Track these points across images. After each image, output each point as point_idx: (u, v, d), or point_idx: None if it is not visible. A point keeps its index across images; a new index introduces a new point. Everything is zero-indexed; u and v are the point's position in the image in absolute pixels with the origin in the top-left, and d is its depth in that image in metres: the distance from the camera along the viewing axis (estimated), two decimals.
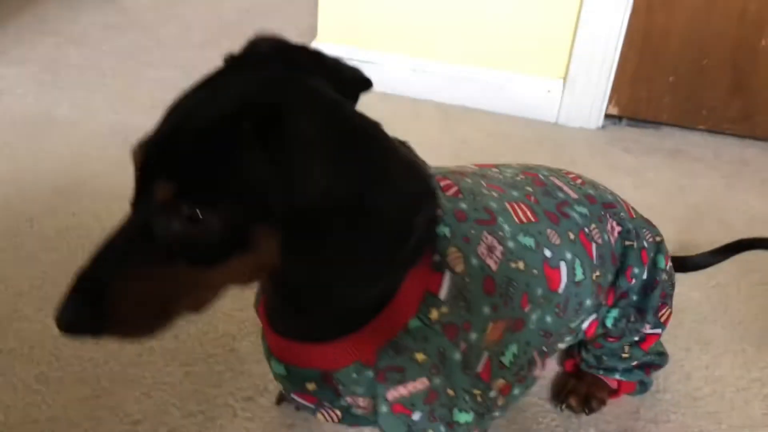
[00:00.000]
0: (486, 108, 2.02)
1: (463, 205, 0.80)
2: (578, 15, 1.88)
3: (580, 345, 1.06)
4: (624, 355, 1.03)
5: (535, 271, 0.81)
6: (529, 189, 0.91)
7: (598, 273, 0.90)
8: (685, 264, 1.28)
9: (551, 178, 0.97)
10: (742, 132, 1.96)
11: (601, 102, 1.98)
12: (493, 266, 0.77)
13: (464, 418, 0.78)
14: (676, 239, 1.44)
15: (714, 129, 1.98)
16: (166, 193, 0.57)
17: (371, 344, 0.73)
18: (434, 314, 0.73)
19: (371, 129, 0.61)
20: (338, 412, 0.84)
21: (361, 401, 0.77)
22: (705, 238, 1.48)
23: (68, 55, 2.15)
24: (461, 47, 2.02)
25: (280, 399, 1.01)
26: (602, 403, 1.04)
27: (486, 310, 0.76)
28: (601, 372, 1.05)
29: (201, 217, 0.56)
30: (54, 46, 2.19)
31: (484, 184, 0.87)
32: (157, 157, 0.59)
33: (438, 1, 1.98)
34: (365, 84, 0.69)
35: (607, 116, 2.04)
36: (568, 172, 1.01)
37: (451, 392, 0.76)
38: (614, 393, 1.06)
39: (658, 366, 1.07)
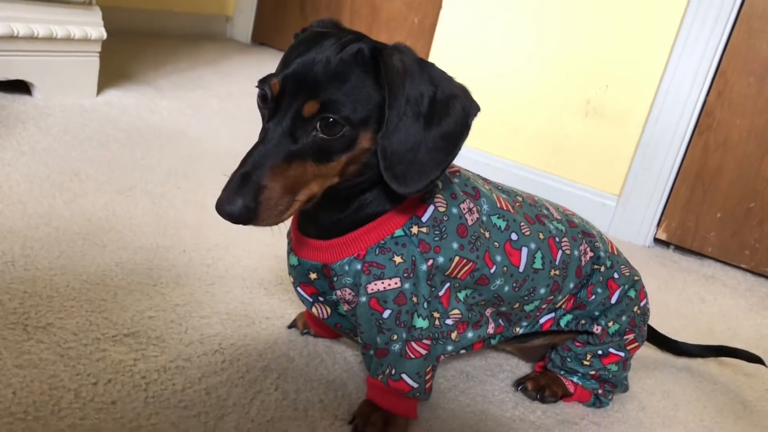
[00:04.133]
0: None
1: (456, 180, 1.04)
2: (639, 140, 2.13)
3: (552, 349, 1.23)
4: (585, 362, 1.19)
5: (496, 244, 1.03)
6: (519, 198, 1.15)
7: (557, 272, 1.10)
8: (676, 347, 1.45)
9: (544, 202, 1.20)
10: None
11: (650, 223, 2.17)
12: (469, 221, 1.00)
13: (421, 323, 0.98)
14: (681, 333, 1.57)
15: (755, 270, 2.11)
16: (312, 109, 0.83)
17: (364, 243, 0.96)
18: (414, 229, 0.96)
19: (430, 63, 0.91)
20: (328, 309, 1.06)
21: (348, 293, 0.99)
22: (709, 337, 1.61)
23: (210, 103, 2.61)
24: (529, 151, 2.31)
25: (291, 325, 1.24)
26: (554, 395, 1.19)
27: (455, 245, 0.98)
28: (562, 372, 1.22)
29: (334, 124, 0.83)
30: (201, 96, 2.67)
31: (481, 181, 1.11)
32: (297, 86, 0.83)
33: (514, 107, 2.30)
34: None
35: (657, 240, 2.22)
36: (566, 209, 1.23)
37: (414, 299, 0.97)
38: (568, 396, 1.21)
39: (613, 385, 1.21)
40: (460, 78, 0.93)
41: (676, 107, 2.07)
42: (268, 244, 1.52)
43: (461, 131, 0.89)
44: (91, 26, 2.15)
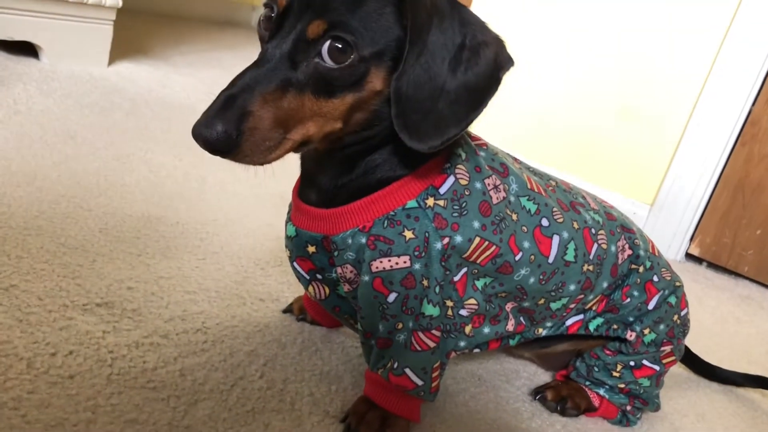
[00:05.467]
0: None
1: (483, 154, 0.92)
2: (677, 147, 1.99)
3: (577, 356, 1.10)
4: (615, 373, 1.05)
5: (524, 228, 0.90)
6: (552, 183, 1.01)
7: (590, 267, 0.96)
8: (713, 372, 1.30)
9: (581, 190, 1.06)
10: None
11: (683, 236, 2.02)
12: (494, 199, 0.87)
13: (431, 310, 0.85)
14: (716, 354, 1.43)
15: None
16: (317, 30, 0.70)
17: (371, 213, 0.84)
18: (430, 201, 0.83)
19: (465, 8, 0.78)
20: (326, 289, 0.93)
21: (349, 270, 0.86)
22: (745, 359, 1.46)
23: (227, 82, 2.49)
24: (557, 151, 2.17)
25: (287, 309, 1.11)
26: (576, 408, 1.05)
27: (476, 224, 0.85)
28: (587, 383, 1.08)
29: (341, 48, 0.70)
30: (218, 75, 2.57)
31: (510, 159, 0.98)
32: (305, 3, 0.70)
33: (543, 105, 2.16)
34: None
35: (689, 255, 2.07)
36: (604, 201, 1.10)
37: (425, 282, 0.84)
38: (592, 410, 1.07)
39: (644, 402, 1.07)
40: None
41: (719, 114, 1.92)
42: (271, 224, 1.39)
43: (489, 85, 0.76)
44: None
